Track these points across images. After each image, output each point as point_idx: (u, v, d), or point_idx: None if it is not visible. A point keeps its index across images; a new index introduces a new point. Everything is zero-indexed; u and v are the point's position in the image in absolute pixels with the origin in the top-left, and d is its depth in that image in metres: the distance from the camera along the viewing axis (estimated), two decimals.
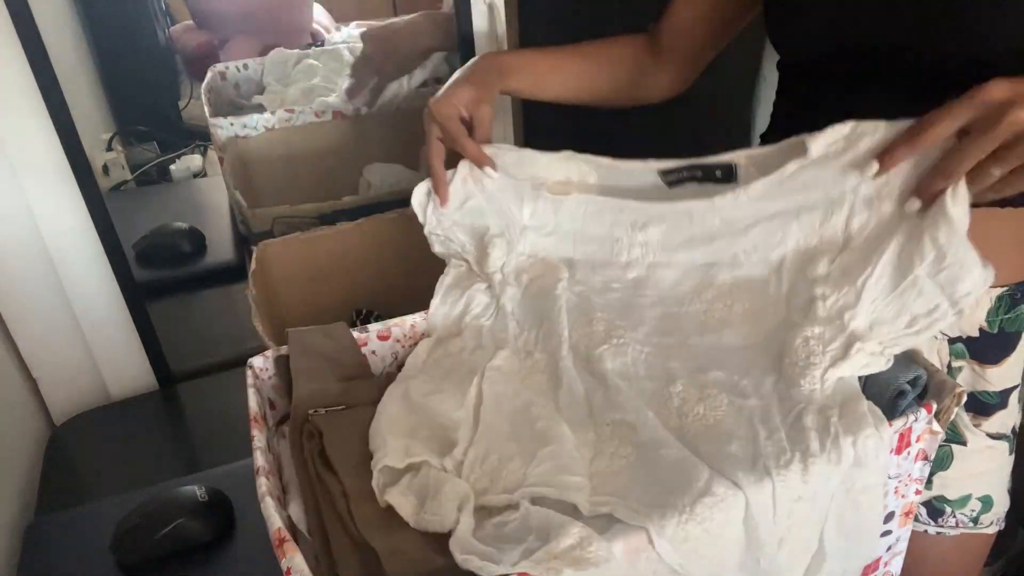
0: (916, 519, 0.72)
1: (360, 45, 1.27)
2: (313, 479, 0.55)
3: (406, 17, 1.28)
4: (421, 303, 0.68)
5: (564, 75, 0.75)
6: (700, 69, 0.80)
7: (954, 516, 0.71)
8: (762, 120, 1.39)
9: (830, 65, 0.66)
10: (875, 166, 0.53)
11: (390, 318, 0.65)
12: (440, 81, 1.30)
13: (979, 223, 0.60)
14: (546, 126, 1.52)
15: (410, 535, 0.51)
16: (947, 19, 0.56)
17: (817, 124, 0.69)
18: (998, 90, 0.47)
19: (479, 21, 1.08)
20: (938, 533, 0.72)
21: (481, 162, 0.68)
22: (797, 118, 0.73)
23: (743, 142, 0.80)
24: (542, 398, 0.58)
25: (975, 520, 0.71)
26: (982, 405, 0.69)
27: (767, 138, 0.77)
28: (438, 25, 1.24)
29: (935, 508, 0.72)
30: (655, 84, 0.79)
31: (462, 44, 1.09)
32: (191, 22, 1.45)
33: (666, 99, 0.80)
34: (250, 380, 0.60)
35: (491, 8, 1.08)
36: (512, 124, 1.20)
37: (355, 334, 0.64)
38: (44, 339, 1.01)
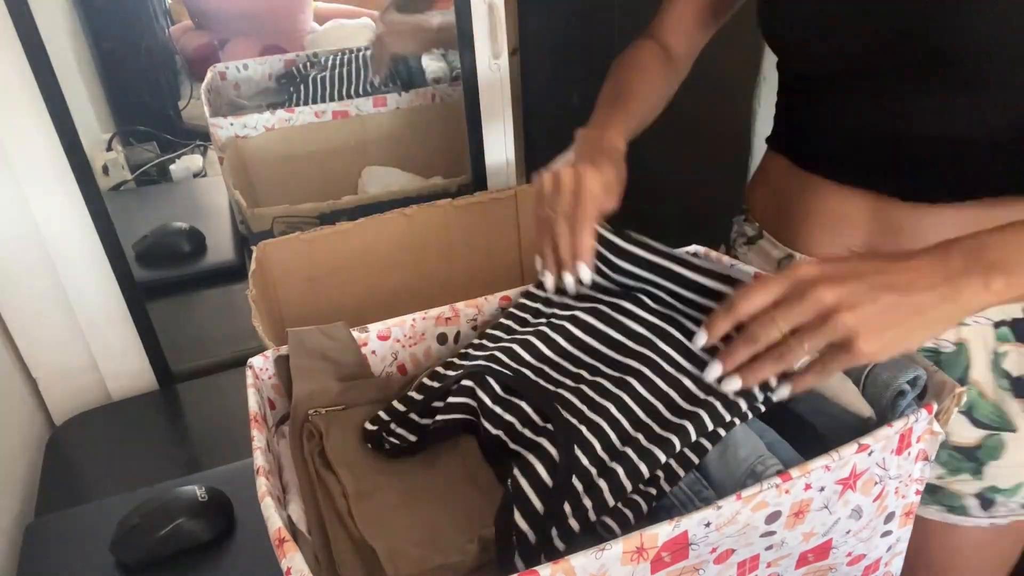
0: (967, 514, 0.71)
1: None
2: (313, 479, 0.55)
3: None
4: (421, 303, 0.68)
5: (638, 121, 0.76)
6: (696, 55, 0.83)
7: (1006, 505, 0.70)
8: (762, 121, 1.40)
9: (825, 67, 0.66)
10: (702, 337, 0.54)
11: (390, 318, 0.65)
12: (439, 81, 1.30)
13: (1004, 216, 0.57)
14: (545, 125, 1.52)
15: (410, 535, 0.51)
16: (939, 12, 0.56)
17: (818, 126, 0.70)
18: (806, 270, 0.50)
19: (479, 21, 1.08)
20: (991, 524, 0.71)
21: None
22: (799, 121, 0.73)
23: (742, 143, 0.80)
24: None
25: None
26: None
27: (772, 142, 0.78)
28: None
29: (987, 499, 0.70)
30: (674, 84, 0.81)
31: (462, 44, 1.09)
32: (191, 22, 1.45)
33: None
34: (250, 380, 0.60)
35: (491, 8, 1.08)
36: (512, 128, 1.20)
37: (355, 334, 0.64)
38: (44, 339, 1.01)
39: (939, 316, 0.49)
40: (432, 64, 1.33)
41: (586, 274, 0.63)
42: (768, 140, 0.78)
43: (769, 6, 0.68)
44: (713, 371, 0.53)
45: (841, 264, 0.51)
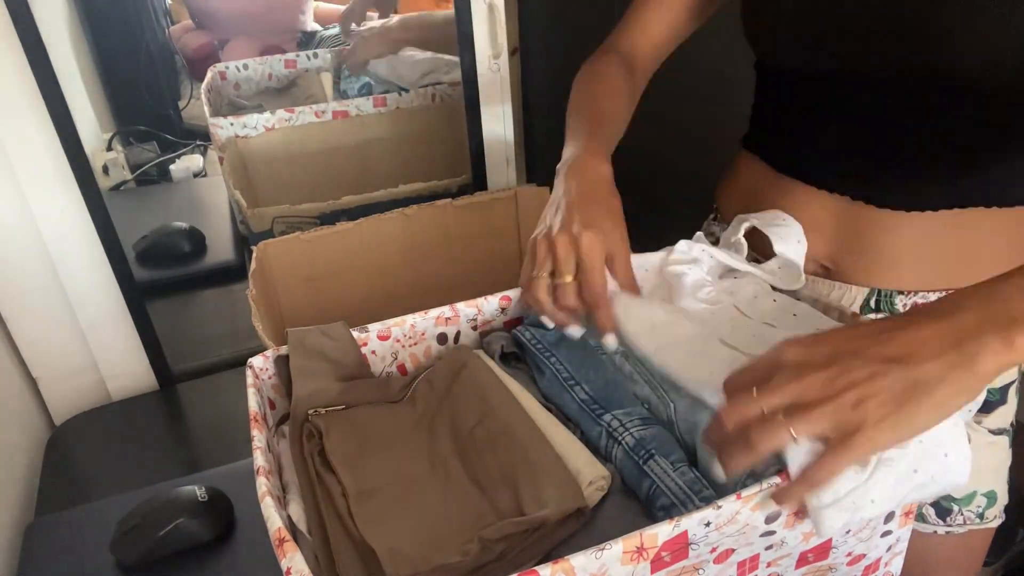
0: (925, 521, 0.72)
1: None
2: (313, 479, 0.56)
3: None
4: (421, 303, 0.68)
5: (614, 142, 0.73)
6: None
7: (961, 514, 0.72)
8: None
9: (806, 65, 0.65)
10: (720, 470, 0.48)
11: (390, 318, 0.65)
12: (441, 81, 1.30)
13: (970, 224, 0.61)
14: (545, 125, 1.52)
15: (410, 535, 0.51)
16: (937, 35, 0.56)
17: (798, 129, 0.69)
18: (792, 351, 0.44)
19: (479, 21, 1.08)
20: (947, 532, 0.73)
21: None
22: (778, 123, 0.72)
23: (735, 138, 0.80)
24: None
25: (981, 516, 0.72)
26: (983, 403, 0.69)
27: (746, 143, 0.76)
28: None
29: (943, 508, 0.72)
30: (636, 101, 0.79)
31: (462, 44, 1.09)
32: (191, 22, 1.45)
33: None
34: (250, 380, 0.60)
35: (491, 8, 1.08)
36: (512, 128, 1.20)
37: (355, 334, 0.64)
38: (44, 339, 1.01)
39: (953, 390, 0.42)
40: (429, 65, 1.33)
41: (612, 342, 0.60)
42: (742, 141, 0.77)
43: (755, 7, 0.67)
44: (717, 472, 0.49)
45: (831, 339, 0.45)
